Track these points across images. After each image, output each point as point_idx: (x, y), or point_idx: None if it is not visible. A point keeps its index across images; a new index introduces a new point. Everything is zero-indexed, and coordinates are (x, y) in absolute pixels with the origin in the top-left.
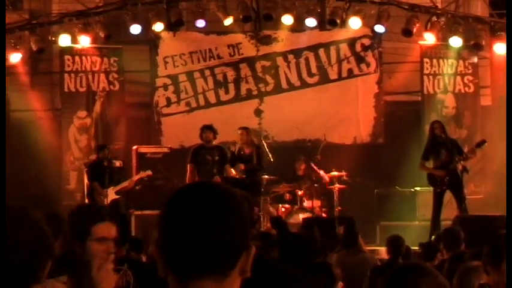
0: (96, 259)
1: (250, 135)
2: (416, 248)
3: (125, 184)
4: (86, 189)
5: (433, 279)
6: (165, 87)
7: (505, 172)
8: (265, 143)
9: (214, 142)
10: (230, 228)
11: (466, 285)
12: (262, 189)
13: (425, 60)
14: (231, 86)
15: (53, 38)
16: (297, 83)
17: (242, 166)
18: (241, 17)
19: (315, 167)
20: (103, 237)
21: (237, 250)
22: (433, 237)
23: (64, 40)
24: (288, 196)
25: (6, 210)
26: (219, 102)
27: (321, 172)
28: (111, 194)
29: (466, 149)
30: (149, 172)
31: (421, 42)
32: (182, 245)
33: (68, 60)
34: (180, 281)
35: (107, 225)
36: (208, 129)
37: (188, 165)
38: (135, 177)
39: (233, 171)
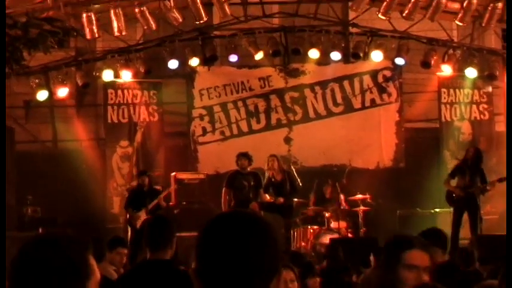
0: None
1: (280, 162)
2: None
3: (154, 202)
4: (127, 215)
5: None
6: (201, 117)
7: None
8: (294, 168)
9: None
10: (263, 254)
11: None
12: (293, 212)
13: (443, 90)
14: (262, 116)
15: (97, 74)
16: (324, 113)
17: (281, 200)
18: (271, 51)
19: (339, 190)
20: (413, 265)
21: (270, 274)
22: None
23: (107, 75)
24: (317, 218)
25: (44, 237)
26: (251, 131)
27: (341, 196)
28: (143, 216)
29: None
30: (168, 191)
31: (438, 73)
32: (219, 270)
33: (111, 93)
34: None
35: (419, 253)
36: (243, 156)
37: (224, 190)
38: (163, 194)
39: (267, 196)
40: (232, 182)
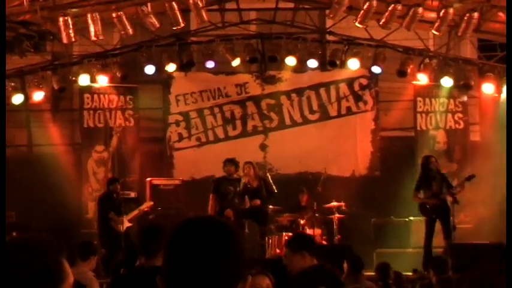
0: None
1: (256, 169)
2: (410, 273)
3: (135, 213)
4: (98, 219)
5: None
6: (177, 123)
7: (491, 203)
8: (270, 175)
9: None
10: (227, 259)
11: None
12: (269, 219)
13: (419, 99)
14: (238, 123)
15: (74, 78)
16: (300, 120)
17: (257, 202)
18: (247, 58)
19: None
20: None
21: (234, 279)
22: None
23: (84, 80)
24: (291, 225)
25: (19, 241)
26: (227, 138)
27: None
28: (126, 222)
29: (455, 182)
30: (150, 203)
31: (414, 82)
32: (182, 274)
33: (87, 98)
34: None
35: None
36: (230, 162)
37: (211, 195)
38: (142, 207)
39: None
40: (217, 188)
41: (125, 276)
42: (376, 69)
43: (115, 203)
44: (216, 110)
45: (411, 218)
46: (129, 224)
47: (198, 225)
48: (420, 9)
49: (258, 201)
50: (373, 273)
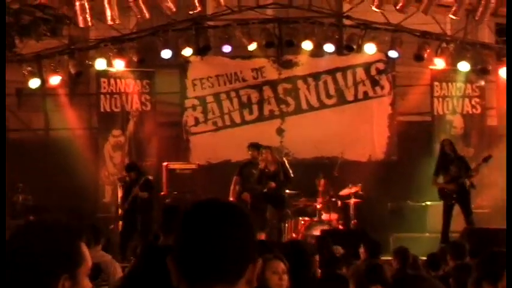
0: None
1: (274, 153)
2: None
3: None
4: (119, 202)
5: (429, 286)
6: (194, 107)
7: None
8: (286, 160)
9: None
10: (238, 241)
11: None
12: (286, 203)
13: (436, 83)
14: (255, 107)
15: (90, 62)
16: (316, 104)
17: (273, 184)
18: (264, 42)
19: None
20: None
21: (245, 261)
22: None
23: (100, 64)
24: (308, 209)
25: (38, 224)
26: (244, 122)
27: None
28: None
29: (473, 166)
30: (145, 194)
31: (431, 66)
32: (193, 255)
33: (104, 82)
34: None
35: None
36: (253, 147)
37: (234, 177)
38: (135, 189)
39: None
40: (242, 171)
41: (143, 257)
42: (393, 54)
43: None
44: (233, 94)
45: (428, 202)
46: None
47: (209, 208)
48: None
49: (272, 184)
50: (389, 258)
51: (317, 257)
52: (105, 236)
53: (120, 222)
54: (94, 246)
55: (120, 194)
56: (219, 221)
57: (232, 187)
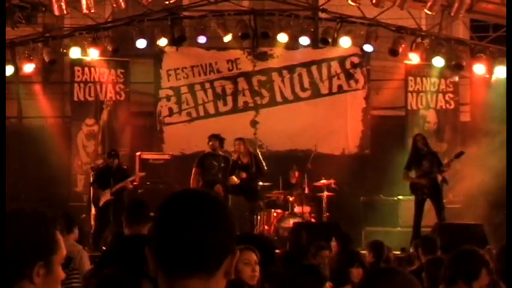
0: None
1: (247, 145)
2: (398, 252)
3: (120, 185)
4: (91, 192)
5: (406, 281)
6: (168, 98)
7: (481, 183)
8: (260, 152)
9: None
10: (216, 232)
11: None
12: (258, 195)
13: (410, 78)
14: (229, 99)
15: (64, 51)
16: (291, 97)
17: (244, 174)
18: (239, 34)
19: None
20: None
21: (223, 252)
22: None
23: (74, 52)
24: (280, 201)
25: (12, 212)
26: (218, 113)
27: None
28: (106, 196)
29: (445, 162)
30: (142, 174)
31: (406, 61)
32: (171, 245)
33: (78, 71)
34: (169, 280)
35: None
36: (215, 138)
37: (194, 169)
38: (130, 178)
39: (235, 178)
40: (202, 162)
41: (112, 246)
42: (368, 48)
43: (109, 176)
44: (207, 85)
45: (400, 197)
46: (110, 198)
47: (188, 197)
48: None
49: (243, 174)
50: (361, 251)
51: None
52: (77, 225)
53: (94, 212)
54: (66, 235)
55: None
56: (197, 210)
57: (192, 179)
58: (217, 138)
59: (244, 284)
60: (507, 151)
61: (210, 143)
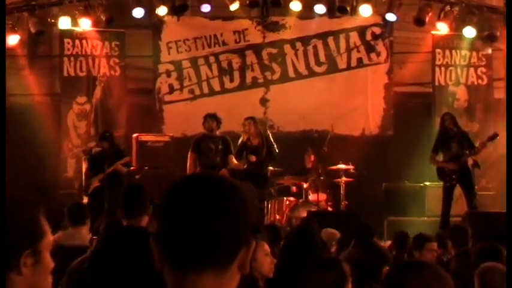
0: None
1: (258, 125)
2: None
3: (111, 169)
4: (83, 178)
5: (436, 275)
6: (168, 73)
7: None
8: (270, 133)
9: (218, 132)
10: (230, 221)
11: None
12: (268, 182)
13: (438, 50)
14: (236, 74)
15: (53, 21)
16: (305, 72)
17: (253, 158)
18: (247, 2)
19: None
20: None
21: (237, 244)
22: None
23: (64, 23)
24: (293, 189)
25: None
26: (224, 90)
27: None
28: (95, 182)
29: (477, 143)
30: (127, 158)
31: (433, 32)
32: (180, 237)
33: (68, 43)
34: (177, 274)
35: None
36: (211, 118)
37: (189, 154)
38: (120, 162)
39: (235, 161)
40: (198, 146)
41: (109, 240)
42: (390, 17)
43: (103, 161)
44: (212, 59)
45: (427, 183)
46: (97, 184)
47: (198, 182)
48: None
49: (253, 157)
50: (383, 244)
51: None
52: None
53: (86, 199)
54: (80, 226)
55: (84, 168)
56: (209, 198)
57: (188, 164)
58: (214, 118)
59: (256, 280)
60: (507, 151)
61: (206, 124)
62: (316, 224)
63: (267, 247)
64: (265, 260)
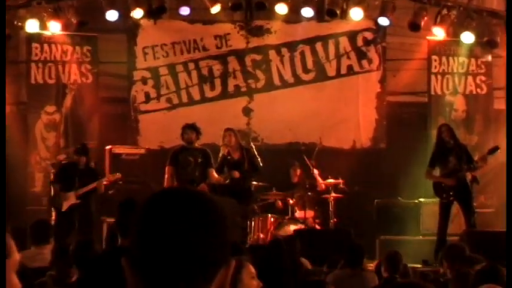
0: None
1: (238, 137)
2: (419, 265)
3: (90, 187)
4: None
5: None
6: (144, 81)
7: None
8: (254, 145)
9: (198, 143)
10: (208, 240)
11: None
12: (252, 197)
13: (434, 57)
14: (217, 82)
15: (20, 23)
16: (291, 80)
17: (237, 174)
18: (230, 4)
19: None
20: None
21: (215, 264)
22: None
23: (32, 26)
24: (279, 205)
25: None
26: (204, 99)
27: (315, 171)
28: (71, 198)
29: (476, 157)
30: (118, 175)
31: (429, 37)
32: (155, 258)
33: (36, 48)
34: None
35: None
36: (190, 128)
37: (167, 168)
38: (104, 179)
39: (216, 175)
40: (176, 159)
41: (100, 260)
42: (383, 21)
43: (75, 175)
44: (191, 65)
45: (422, 199)
46: (76, 202)
47: (173, 198)
48: None
49: (236, 173)
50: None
51: None
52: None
53: (54, 217)
54: (42, 245)
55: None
56: (186, 215)
57: (166, 179)
58: (193, 129)
59: None
60: (507, 151)
61: (185, 135)
62: (298, 243)
63: (252, 269)
64: (252, 283)
